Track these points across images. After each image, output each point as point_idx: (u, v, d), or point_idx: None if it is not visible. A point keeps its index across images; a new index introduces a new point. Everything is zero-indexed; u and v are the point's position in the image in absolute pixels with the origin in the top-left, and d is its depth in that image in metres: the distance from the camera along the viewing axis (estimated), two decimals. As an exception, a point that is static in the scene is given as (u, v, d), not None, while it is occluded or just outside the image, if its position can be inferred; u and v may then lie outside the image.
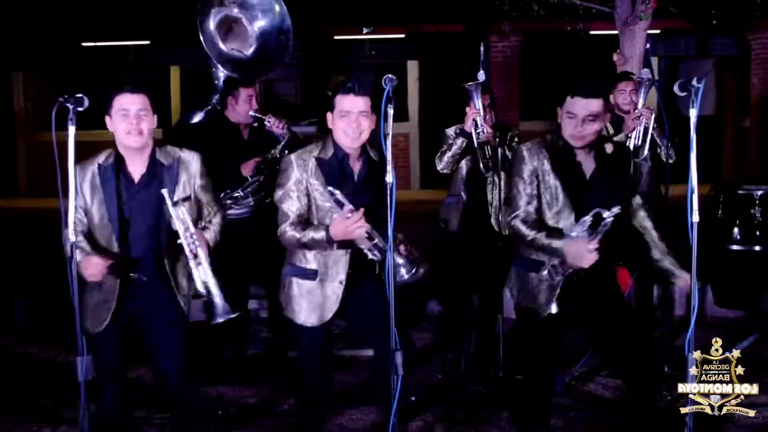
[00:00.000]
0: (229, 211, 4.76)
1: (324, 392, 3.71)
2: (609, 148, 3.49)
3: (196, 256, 3.23)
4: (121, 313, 3.37)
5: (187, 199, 3.40)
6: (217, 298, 3.21)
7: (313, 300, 3.41)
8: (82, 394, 2.58)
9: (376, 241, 3.24)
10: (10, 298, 6.49)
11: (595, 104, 3.26)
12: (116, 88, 3.31)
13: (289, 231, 3.33)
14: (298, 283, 3.44)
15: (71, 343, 2.94)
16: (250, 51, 5.21)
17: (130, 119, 3.27)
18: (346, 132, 3.32)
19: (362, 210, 3.15)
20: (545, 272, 3.39)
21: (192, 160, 3.46)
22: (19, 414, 4.48)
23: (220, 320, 3.23)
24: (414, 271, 3.37)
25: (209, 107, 5.41)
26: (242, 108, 4.89)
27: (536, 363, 3.60)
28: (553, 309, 3.41)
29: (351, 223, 3.15)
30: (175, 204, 3.27)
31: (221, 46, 5.11)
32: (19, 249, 7.60)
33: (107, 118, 3.34)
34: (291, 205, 3.35)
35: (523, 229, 3.40)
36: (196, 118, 5.52)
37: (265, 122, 4.86)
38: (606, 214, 3.12)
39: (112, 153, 3.39)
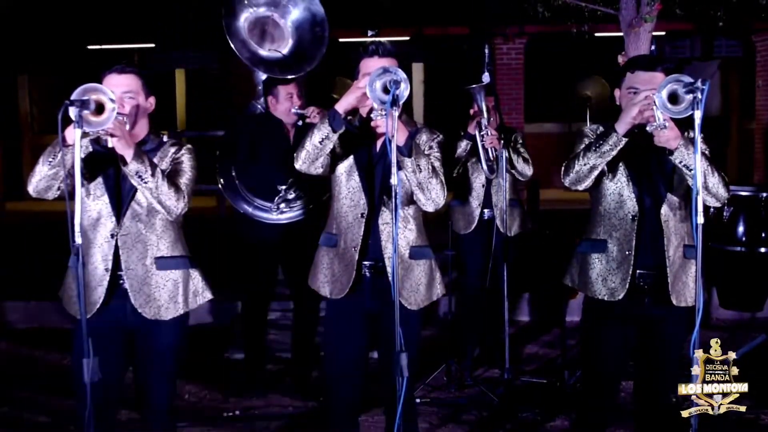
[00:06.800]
0: (282, 215, 4.63)
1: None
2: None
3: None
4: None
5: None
6: None
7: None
8: (89, 397, 2.57)
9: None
10: (16, 300, 6.52)
11: (658, 77, 3.06)
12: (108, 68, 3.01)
13: None
14: None
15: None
16: (286, 49, 4.83)
17: None
18: None
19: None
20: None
21: (173, 149, 3.05)
22: (22, 416, 4.51)
23: None
24: None
25: (253, 112, 5.04)
26: (283, 106, 4.65)
27: (594, 361, 3.29)
28: (620, 295, 3.10)
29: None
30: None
31: (254, 48, 4.74)
32: (26, 252, 7.62)
33: None
34: None
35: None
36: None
37: (307, 118, 4.56)
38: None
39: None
